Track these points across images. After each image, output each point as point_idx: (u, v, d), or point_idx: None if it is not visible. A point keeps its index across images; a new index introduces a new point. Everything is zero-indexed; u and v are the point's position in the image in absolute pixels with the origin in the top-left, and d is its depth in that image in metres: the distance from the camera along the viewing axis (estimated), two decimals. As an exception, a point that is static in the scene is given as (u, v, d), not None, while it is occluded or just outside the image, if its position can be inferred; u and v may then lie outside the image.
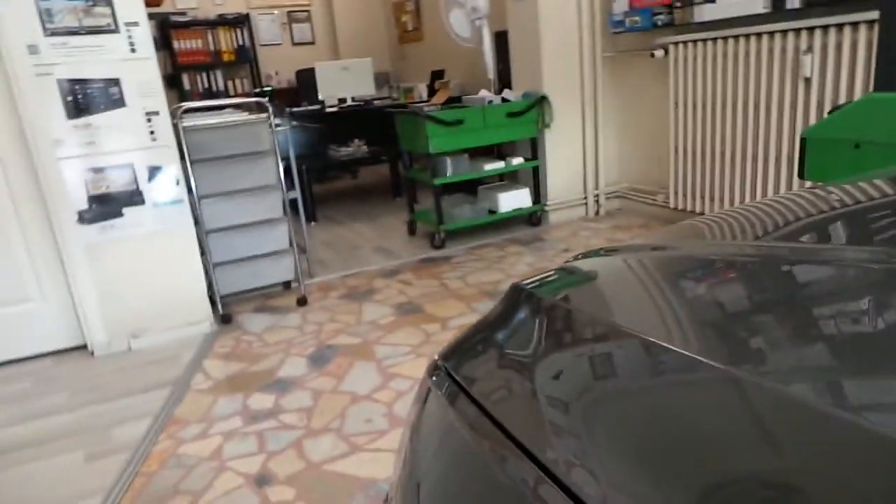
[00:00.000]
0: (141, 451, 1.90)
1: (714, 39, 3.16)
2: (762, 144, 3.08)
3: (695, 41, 3.27)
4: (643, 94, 3.91)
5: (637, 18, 3.48)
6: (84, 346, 2.65)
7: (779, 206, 0.95)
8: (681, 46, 3.36)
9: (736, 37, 3.05)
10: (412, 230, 4.13)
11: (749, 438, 0.39)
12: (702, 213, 3.53)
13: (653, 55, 3.52)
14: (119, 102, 2.45)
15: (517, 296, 0.76)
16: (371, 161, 5.21)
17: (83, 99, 2.40)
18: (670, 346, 0.51)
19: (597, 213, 4.23)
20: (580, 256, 0.93)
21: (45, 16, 2.27)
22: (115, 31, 2.39)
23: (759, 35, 2.96)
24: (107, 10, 2.35)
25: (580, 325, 0.65)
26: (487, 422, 0.55)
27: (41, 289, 2.55)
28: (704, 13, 3.12)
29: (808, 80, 2.81)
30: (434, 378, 0.67)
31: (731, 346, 0.51)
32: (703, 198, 3.49)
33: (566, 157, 4.08)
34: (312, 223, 4.63)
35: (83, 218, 2.49)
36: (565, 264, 0.91)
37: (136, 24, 2.42)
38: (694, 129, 3.44)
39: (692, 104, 3.40)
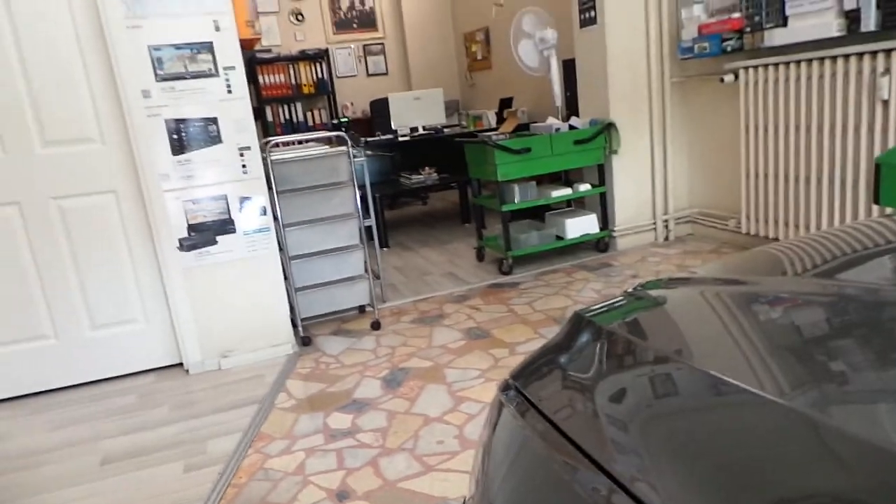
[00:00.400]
0: (232, 464, 2.06)
1: (786, 63, 3.13)
2: (837, 168, 3.01)
3: (766, 65, 3.25)
4: (712, 118, 3.88)
5: (706, 45, 3.49)
6: (180, 364, 2.88)
7: (852, 237, 0.96)
8: (751, 71, 3.34)
9: (809, 60, 3.02)
10: (481, 256, 4.23)
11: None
12: (775, 239, 3.46)
13: (722, 80, 3.51)
14: (216, 139, 2.69)
15: (578, 323, 0.83)
16: (441, 187, 5.37)
17: (185, 136, 2.65)
18: (716, 375, 0.56)
19: (666, 238, 4.20)
20: (641, 287, 0.99)
21: (157, 63, 2.55)
22: (215, 74, 2.64)
23: (833, 58, 2.91)
24: (208, 57, 2.61)
25: (634, 353, 0.70)
26: (556, 434, 0.62)
27: (145, 311, 2.81)
28: (775, 38, 3.10)
29: (885, 103, 2.74)
30: (505, 395, 0.75)
31: (788, 382, 0.55)
32: (776, 222, 3.42)
33: (634, 183, 4.09)
34: (385, 249, 4.82)
35: (183, 245, 2.73)
36: (626, 293, 0.97)
37: (232, 67, 2.67)
38: (766, 153, 3.39)
39: (763, 128, 3.36)
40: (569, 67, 4.52)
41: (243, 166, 2.76)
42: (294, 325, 3.05)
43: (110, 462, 2.16)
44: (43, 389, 2.74)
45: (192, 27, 2.57)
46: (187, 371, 2.85)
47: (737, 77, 3.46)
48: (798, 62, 3.07)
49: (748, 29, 3.24)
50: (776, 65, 3.18)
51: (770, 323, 0.68)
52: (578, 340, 0.80)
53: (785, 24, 3.05)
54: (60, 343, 2.72)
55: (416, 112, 5.37)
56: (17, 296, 2.62)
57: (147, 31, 2.52)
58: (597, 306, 0.90)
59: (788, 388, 0.53)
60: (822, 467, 0.44)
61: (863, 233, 1.01)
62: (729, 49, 3.37)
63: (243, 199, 2.79)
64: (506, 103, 5.80)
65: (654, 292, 0.91)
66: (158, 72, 2.56)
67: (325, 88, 6.54)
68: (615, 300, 0.93)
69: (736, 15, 3.29)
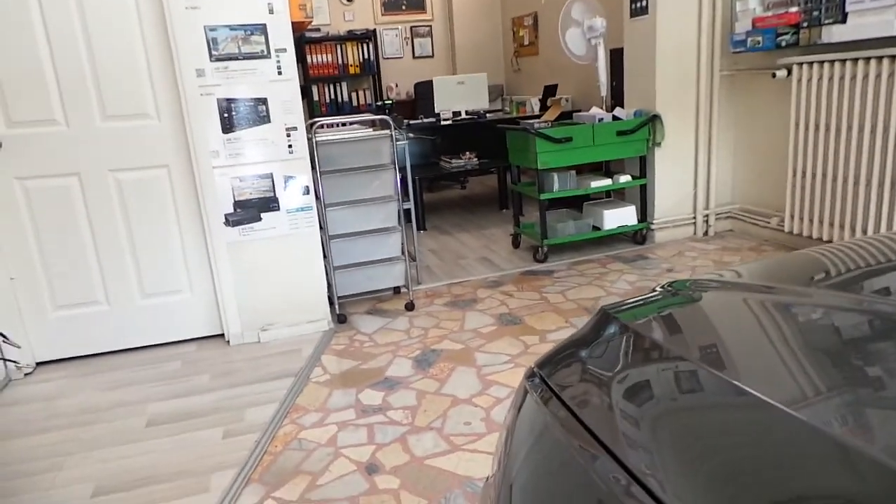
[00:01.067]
0: (269, 432, 2.16)
1: (843, 61, 3.04)
2: (889, 171, 2.93)
3: (821, 62, 3.16)
4: (761, 114, 3.80)
5: (759, 38, 3.41)
6: (221, 335, 3.01)
7: (888, 247, 0.96)
8: (805, 67, 3.25)
9: (867, 59, 2.92)
10: (516, 243, 4.25)
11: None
12: (819, 239, 3.39)
13: (774, 75, 3.43)
14: (265, 119, 2.78)
15: (604, 318, 0.86)
16: (480, 172, 5.39)
17: (236, 115, 2.74)
18: (727, 379, 0.58)
19: (706, 233, 4.15)
20: (669, 286, 1.01)
21: (212, 44, 2.63)
22: (267, 56, 2.71)
23: (892, 57, 2.82)
24: (261, 39, 2.68)
25: (653, 352, 0.73)
26: (576, 423, 0.65)
27: (191, 282, 2.93)
28: (833, 34, 3.01)
29: (946, 107, 2.65)
30: (530, 382, 0.79)
31: (801, 394, 0.57)
32: (821, 223, 3.35)
33: (676, 176, 4.04)
34: (422, 231, 4.88)
35: (228, 220, 2.84)
36: (652, 291, 0.99)
37: (284, 50, 2.74)
38: (815, 152, 3.31)
39: (814, 126, 3.28)
40: (616, 57, 4.46)
41: (289, 146, 2.84)
42: (331, 303, 3.14)
43: (155, 424, 2.29)
44: (95, 352, 2.90)
45: (246, 9, 2.64)
46: (228, 342, 2.97)
47: (789, 73, 3.37)
48: (855, 60, 2.98)
49: (805, 24, 3.15)
50: (832, 62, 3.10)
51: (791, 333, 0.70)
52: (602, 335, 0.83)
53: (844, 21, 2.96)
54: (112, 309, 2.87)
55: (460, 96, 5.38)
56: (74, 262, 2.77)
57: (204, 12, 2.60)
58: (623, 303, 0.93)
59: (800, 400, 0.55)
60: (826, 477, 0.46)
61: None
62: (783, 44, 3.28)
63: (288, 178, 2.87)
64: (550, 90, 5.76)
65: (680, 293, 0.94)
66: (213, 52, 2.64)
67: (370, 69, 6.59)
68: (641, 298, 0.96)
69: (793, 9, 3.20)
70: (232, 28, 2.64)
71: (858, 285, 0.85)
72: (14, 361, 2.68)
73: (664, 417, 0.62)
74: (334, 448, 2.06)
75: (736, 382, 0.61)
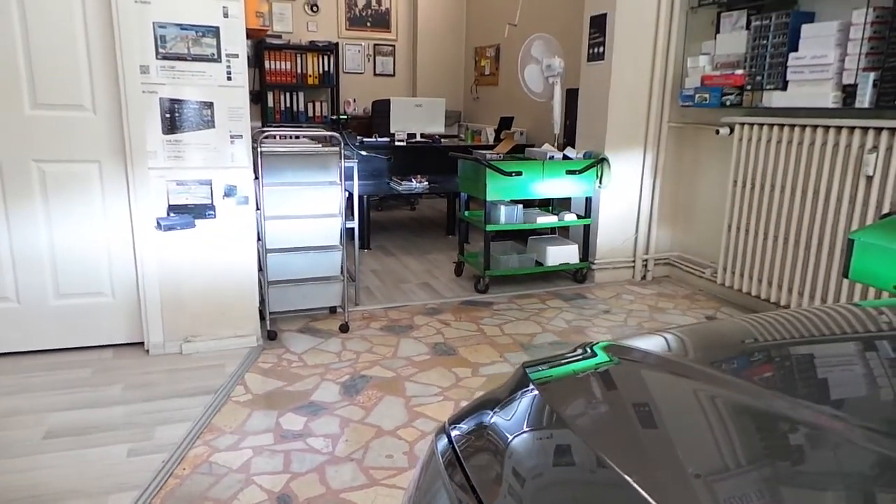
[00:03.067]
0: (178, 453, 2.04)
1: (781, 125, 3.19)
2: (816, 233, 3.07)
3: (761, 124, 3.30)
4: (703, 167, 3.94)
5: (706, 95, 3.54)
6: (141, 344, 2.85)
7: (809, 321, 0.98)
8: (746, 127, 3.39)
9: (803, 126, 3.07)
10: (459, 270, 4.24)
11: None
12: (748, 294, 3.51)
13: (717, 132, 3.56)
14: (209, 124, 2.68)
15: (521, 378, 0.84)
16: (430, 195, 5.38)
17: (179, 117, 2.64)
18: (617, 471, 0.57)
19: (643, 277, 4.24)
20: (590, 347, 1.00)
21: (160, 41, 2.53)
22: (217, 60, 2.63)
23: (826, 128, 2.97)
24: (213, 42, 2.60)
25: (551, 419, 0.72)
26: (470, 492, 0.63)
27: (112, 286, 2.78)
28: (773, 99, 3.15)
29: (869, 179, 2.79)
30: (438, 441, 0.77)
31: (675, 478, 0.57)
32: (750, 278, 3.47)
33: (619, 219, 4.13)
34: (365, 251, 4.81)
35: (160, 225, 2.71)
36: (572, 352, 0.98)
37: (236, 55, 2.66)
38: (750, 209, 3.44)
39: (751, 184, 3.41)
40: (571, 97, 4.56)
41: (232, 154, 2.75)
42: (262, 318, 3.04)
43: (54, 436, 2.14)
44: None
45: (200, 10, 2.56)
46: (147, 351, 2.82)
47: (732, 131, 3.51)
48: (792, 126, 3.12)
49: (749, 87, 3.29)
50: (771, 125, 3.24)
51: (684, 418, 0.69)
52: (514, 395, 0.81)
53: (784, 88, 3.10)
54: (22, 307, 2.68)
55: (417, 118, 5.38)
56: (-16, 253, 2.59)
57: (155, 7, 2.51)
58: (543, 360, 0.91)
59: (668, 487, 0.55)
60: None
61: (821, 318, 1.03)
62: (728, 103, 3.42)
63: (229, 188, 2.77)
64: (506, 122, 5.83)
65: (598, 358, 0.93)
66: (160, 49, 2.54)
67: (329, 81, 6.53)
68: (562, 356, 0.94)
69: (739, 72, 3.34)
70: (183, 27, 2.55)
71: (766, 370, 0.86)
72: None
73: (540, 491, 0.61)
74: (246, 475, 1.96)
75: (610, 462, 0.60)
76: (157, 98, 2.60)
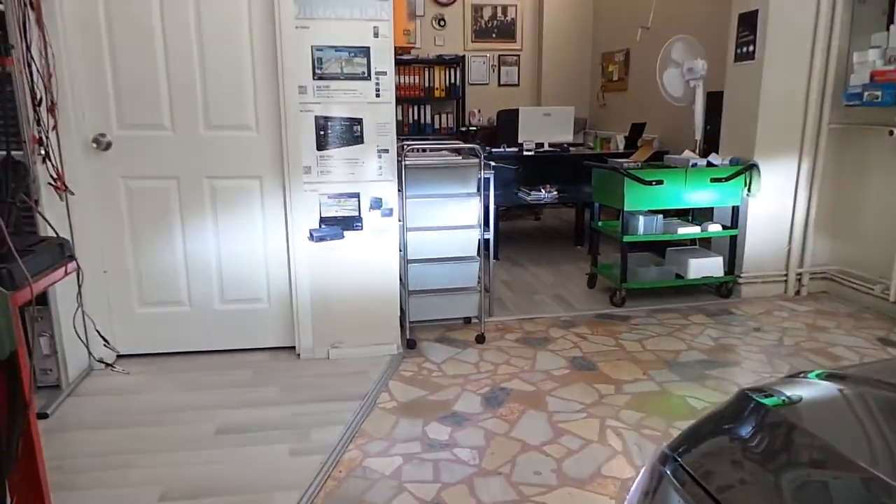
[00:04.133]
0: (334, 456, 2.13)
1: (973, 125, 2.81)
2: None
3: (947, 124, 2.93)
4: (872, 172, 3.56)
5: (878, 93, 3.20)
6: (293, 348, 3.02)
7: None
8: (928, 128, 3.03)
9: None
10: (592, 283, 4.12)
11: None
12: (931, 316, 3.11)
13: (892, 132, 3.21)
14: (358, 139, 2.80)
15: (745, 402, 0.82)
16: (556, 205, 5.29)
17: (331, 133, 2.78)
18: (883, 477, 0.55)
19: (797, 292, 3.91)
20: (804, 374, 0.95)
21: (317, 63, 2.69)
22: (367, 78, 2.75)
23: None
24: (363, 61, 2.72)
25: (804, 442, 0.70)
26: None
27: (269, 292, 2.97)
28: (965, 96, 2.79)
29: None
30: (665, 466, 0.75)
31: None
32: (935, 298, 3.08)
33: (769, 229, 3.83)
34: (495, 261, 4.82)
35: (312, 236, 2.86)
36: (791, 379, 0.93)
37: (384, 73, 2.76)
38: (933, 220, 3.06)
39: (935, 192, 3.03)
40: (712, 101, 4.31)
41: (379, 168, 2.85)
42: (401, 327, 3.12)
43: (224, 433, 2.30)
44: (172, 351, 2.97)
45: (353, 31, 2.69)
46: (298, 355, 2.98)
47: (909, 132, 3.15)
48: None
49: (932, 82, 2.94)
50: (961, 125, 2.87)
51: None
52: (744, 419, 0.80)
53: (979, 82, 2.73)
54: (192, 311, 2.93)
55: (545, 128, 5.33)
56: (163, 262, 2.86)
57: (313, 32, 2.66)
58: (762, 386, 0.89)
59: None
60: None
61: None
62: (905, 101, 3.07)
63: (375, 200, 2.88)
64: (638, 129, 5.63)
65: (820, 384, 0.89)
66: (317, 70, 2.69)
67: (455, 94, 6.64)
68: (780, 384, 0.91)
69: (919, 65, 2.99)
70: (337, 49, 2.69)
71: None
72: (110, 365, 2.78)
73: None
74: (398, 481, 2.00)
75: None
76: (313, 116, 2.75)
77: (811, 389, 0.88)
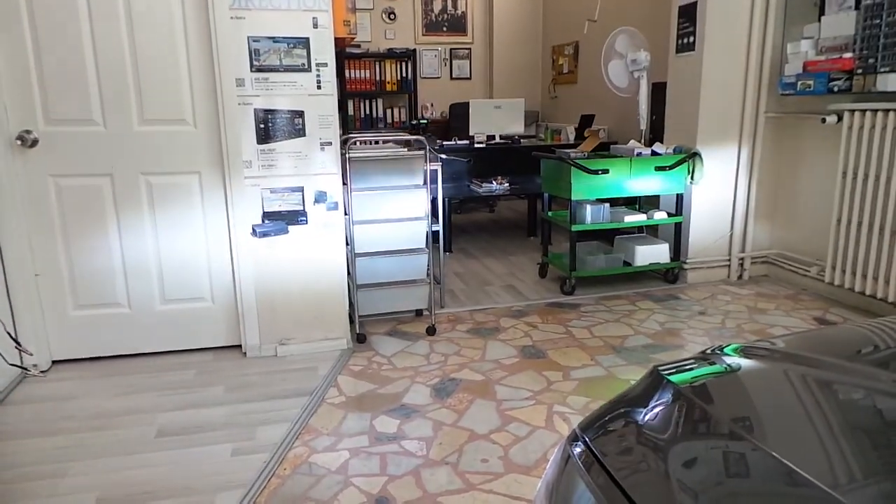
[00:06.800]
0: (279, 453, 2.10)
1: (897, 110, 2.93)
2: (944, 229, 2.80)
3: (874, 110, 3.05)
4: (806, 158, 3.69)
5: (810, 82, 3.31)
6: (238, 346, 2.96)
7: None
8: (857, 114, 3.14)
9: (924, 110, 2.81)
10: (543, 272, 4.16)
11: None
12: (861, 293, 3.25)
13: (824, 120, 3.32)
14: (301, 132, 2.75)
15: (658, 380, 0.82)
16: (509, 197, 5.33)
17: (272, 127, 2.72)
18: (789, 465, 0.55)
19: (740, 276, 4.02)
20: (719, 350, 0.96)
21: (254, 54, 2.63)
22: (308, 70, 2.70)
23: (952, 111, 2.70)
24: (303, 52, 2.67)
25: (711, 423, 0.70)
26: (618, 493, 0.62)
27: (212, 291, 2.90)
28: (889, 83, 2.90)
29: None
30: (573, 446, 0.75)
31: (851, 477, 0.55)
32: (864, 276, 3.21)
33: (712, 216, 3.93)
34: (447, 254, 4.82)
35: (255, 232, 2.81)
36: (706, 354, 0.94)
37: (325, 64, 2.72)
38: (863, 202, 3.19)
39: (864, 175, 3.15)
40: (656, 91, 4.39)
41: (322, 161, 2.81)
42: (351, 321, 3.09)
43: (164, 435, 2.24)
44: (111, 354, 2.87)
45: (291, 22, 2.63)
46: (245, 353, 2.92)
47: (840, 119, 3.26)
48: (911, 110, 2.87)
49: (860, 70, 3.05)
50: (886, 111, 2.99)
51: (843, 412, 0.68)
52: (656, 398, 0.79)
53: (901, 69, 2.85)
54: (132, 312, 2.84)
55: (496, 120, 5.35)
56: (99, 263, 2.76)
57: (249, 23, 2.60)
58: (675, 364, 0.90)
59: (848, 483, 0.54)
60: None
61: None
62: (836, 89, 3.18)
63: (319, 194, 2.84)
64: (587, 120, 5.70)
65: (732, 359, 0.90)
66: (254, 62, 2.63)
67: (407, 87, 6.61)
68: (693, 361, 0.92)
69: (848, 55, 3.10)
70: (275, 40, 2.63)
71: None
72: (25, 369, 2.66)
73: (724, 497, 0.59)
74: (345, 476, 1.98)
75: (797, 469, 0.58)
76: (252, 109, 2.69)
77: (725, 366, 0.88)
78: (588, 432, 0.76)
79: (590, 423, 0.79)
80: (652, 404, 0.77)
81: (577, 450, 0.74)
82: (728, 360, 0.91)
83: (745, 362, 0.87)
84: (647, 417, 0.75)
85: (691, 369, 0.88)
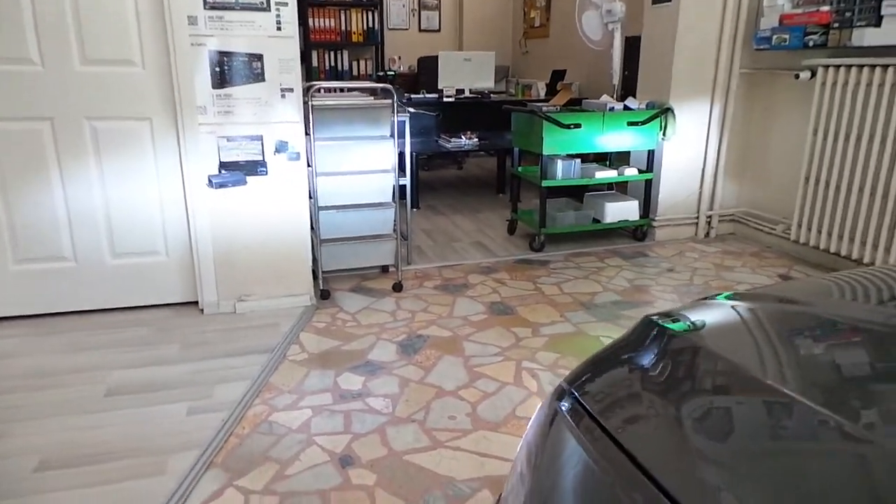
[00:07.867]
0: (237, 412, 2.01)
1: (872, 66, 2.90)
2: (912, 187, 2.80)
3: (849, 66, 3.01)
4: (778, 116, 3.65)
5: (786, 36, 3.25)
6: (196, 303, 2.83)
7: None
8: (831, 70, 3.10)
9: (898, 66, 2.78)
10: (512, 229, 4.10)
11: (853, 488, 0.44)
12: (826, 251, 3.27)
13: (797, 76, 3.28)
14: (259, 77, 2.58)
15: (649, 329, 0.77)
16: (479, 153, 5.22)
17: (228, 70, 2.55)
18: (793, 396, 0.54)
19: (707, 234, 4.02)
20: (711, 297, 0.91)
21: (206, -10, 2.43)
22: (266, 9, 2.51)
23: (926, 66, 2.68)
24: (259, -10, 2.48)
25: (711, 366, 0.66)
26: (613, 446, 0.58)
27: (167, 244, 2.75)
28: (865, 37, 2.86)
29: (979, 123, 2.51)
30: (561, 402, 0.69)
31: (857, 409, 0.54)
32: (829, 234, 3.23)
33: (682, 173, 3.90)
34: (415, 210, 4.71)
35: (212, 182, 2.65)
36: (696, 302, 0.89)
37: (285, 4, 2.54)
38: (832, 160, 3.18)
39: (834, 132, 3.14)
40: (630, 46, 4.29)
41: (284, 108, 2.65)
42: (315, 277, 2.98)
43: (115, 394, 2.13)
44: (57, 311, 2.72)
45: (245, -47, 2.44)
46: (202, 310, 2.80)
47: (813, 75, 3.22)
48: (886, 66, 2.84)
49: (836, 25, 3.00)
50: (861, 66, 2.95)
51: (841, 350, 0.66)
52: (648, 347, 0.74)
53: (878, 25, 2.81)
54: (79, 267, 2.68)
55: (465, 74, 5.19)
56: (41, 214, 2.58)
57: (199, -47, 2.40)
58: (665, 312, 0.84)
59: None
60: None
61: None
62: (811, 44, 3.13)
63: (281, 143, 2.69)
64: (559, 75, 5.58)
65: (723, 305, 0.85)
66: (207, -1, 2.44)
67: (374, 38, 6.36)
68: (684, 309, 0.87)
69: (825, 8, 3.04)
70: (229, -27, 2.44)
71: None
72: None
73: (730, 439, 0.55)
74: (307, 435, 1.91)
75: (801, 399, 0.56)
76: (206, 51, 2.51)
77: (719, 311, 0.83)
78: (577, 387, 0.70)
79: (577, 377, 0.73)
80: (647, 354, 0.72)
81: (566, 406, 0.67)
82: (723, 305, 0.86)
83: (741, 305, 0.83)
84: (642, 367, 0.71)
85: (685, 317, 0.82)
